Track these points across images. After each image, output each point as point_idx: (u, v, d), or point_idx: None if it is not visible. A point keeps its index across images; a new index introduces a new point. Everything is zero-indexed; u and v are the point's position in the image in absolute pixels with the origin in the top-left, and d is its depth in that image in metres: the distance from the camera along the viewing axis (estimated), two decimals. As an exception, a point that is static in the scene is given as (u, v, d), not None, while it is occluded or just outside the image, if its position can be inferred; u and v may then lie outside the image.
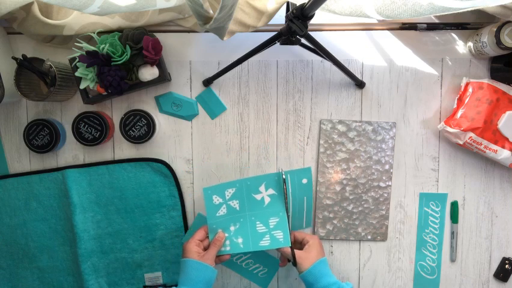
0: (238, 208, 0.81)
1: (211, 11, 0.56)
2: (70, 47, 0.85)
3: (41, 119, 0.87)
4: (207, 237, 0.80)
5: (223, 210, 0.81)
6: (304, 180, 0.83)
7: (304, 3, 0.57)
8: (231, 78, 0.90)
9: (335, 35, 0.89)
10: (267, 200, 0.82)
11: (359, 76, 0.89)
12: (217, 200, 0.80)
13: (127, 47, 0.80)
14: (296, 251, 0.79)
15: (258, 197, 0.81)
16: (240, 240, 0.80)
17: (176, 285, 0.76)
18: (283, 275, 0.92)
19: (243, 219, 0.81)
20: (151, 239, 0.91)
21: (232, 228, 0.81)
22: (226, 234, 0.80)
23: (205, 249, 0.79)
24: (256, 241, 0.80)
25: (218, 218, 0.80)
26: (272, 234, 0.80)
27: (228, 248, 0.80)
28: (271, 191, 0.82)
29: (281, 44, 0.72)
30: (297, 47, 0.83)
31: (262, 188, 0.81)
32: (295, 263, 0.78)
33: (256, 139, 0.91)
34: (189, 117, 0.91)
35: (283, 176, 0.80)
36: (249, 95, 0.91)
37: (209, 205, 0.80)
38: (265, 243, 0.80)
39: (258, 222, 0.81)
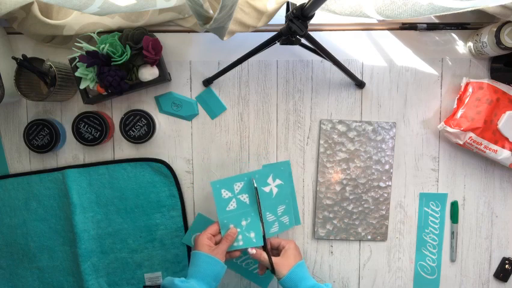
0: (248, 202, 0.80)
1: (211, 11, 0.56)
2: (69, 47, 0.85)
3: (41, 119, 0.87)
4: (220, 232, 0.80)
5: (233, 205, 0.80)
6: None
7: (304, 3, 0.57)
8: (231, 78, 0.90)
9: (335, 35, 0.89)
10: (275, 190, 0.81)
11: (359, 76, 0.89)
12: (226, 194, 0.79)
13: (127, 47, 0.80)
14: (273, 258, 0.77)
15: (267, 189, 0.81)
16: (252, 234, 0.80)
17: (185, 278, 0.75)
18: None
19: (254, 213, 0.80)
20: (151, 239, 0.91)
21: (243, 223, 0.80)
22: (239, 229, 0.80)
23: (217, 244, 0.78)
24: (267, 230, 0.80)
25: (228, 213, 0.80)
26: (280, 221, 0.82)
27: (240, 243, 0.80)
28: (278, 181, 0.81)
29: (281, 44, 0.71)
30: (297, 47, 0.83)
31: (270, 180, 0.81)
32: (273, 271, 0.77)
33: (256, 139, 0.91)
34: (189, 117, 0.91)
35: (255, 185, 0.79)
36: (249, 95, 0.91)
37: (218, 199, 0.79)
38: (274, 230, 0.82)
39: (267, 213, 0.81)
